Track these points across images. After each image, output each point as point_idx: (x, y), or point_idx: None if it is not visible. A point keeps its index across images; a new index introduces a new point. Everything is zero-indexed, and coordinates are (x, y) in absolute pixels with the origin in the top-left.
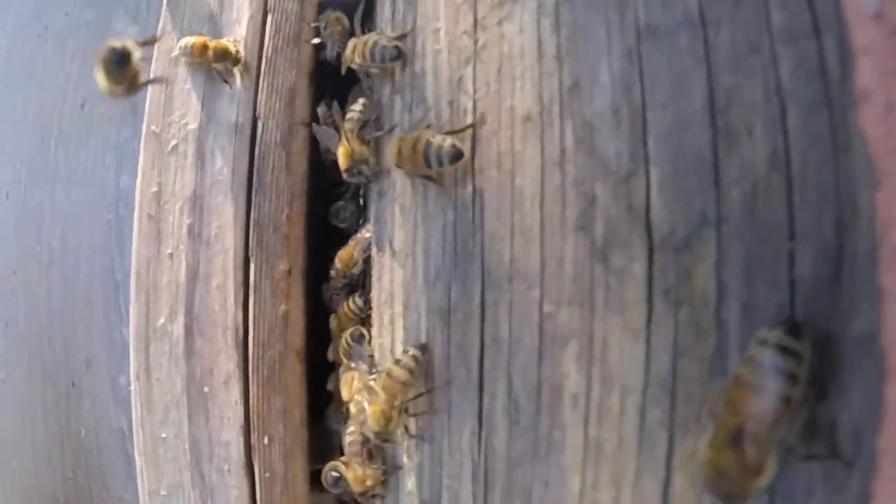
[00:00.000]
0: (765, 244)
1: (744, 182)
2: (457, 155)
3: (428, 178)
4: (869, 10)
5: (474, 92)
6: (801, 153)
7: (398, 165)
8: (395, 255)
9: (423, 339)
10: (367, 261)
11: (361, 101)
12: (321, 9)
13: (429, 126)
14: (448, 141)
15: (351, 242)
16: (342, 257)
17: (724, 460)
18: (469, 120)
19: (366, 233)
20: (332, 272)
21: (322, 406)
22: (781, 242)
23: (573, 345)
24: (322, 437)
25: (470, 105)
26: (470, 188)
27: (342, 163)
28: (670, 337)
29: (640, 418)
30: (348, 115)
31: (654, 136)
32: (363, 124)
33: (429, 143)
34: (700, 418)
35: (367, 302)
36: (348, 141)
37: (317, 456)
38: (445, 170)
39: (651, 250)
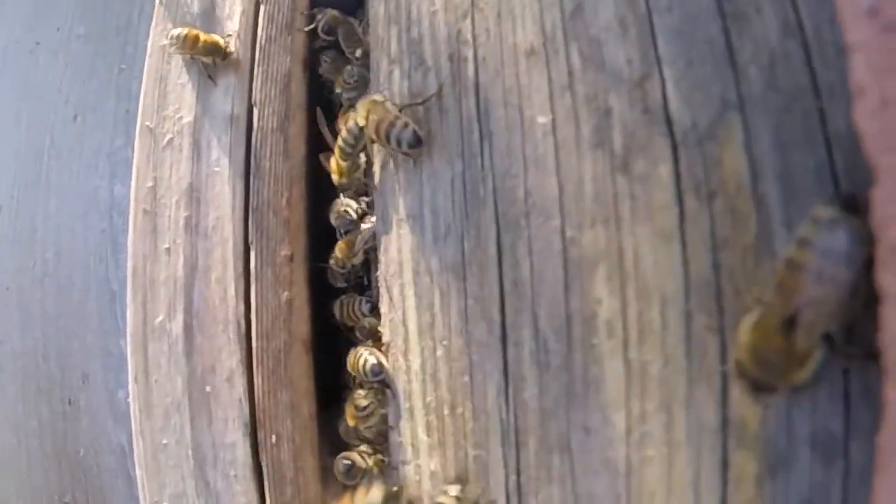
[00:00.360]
0: (792, 109)
1: (760, 57)
2: (417, 142)
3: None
4: (863, 5)
5: (474, 40)
6: (812, 16)
7: (364, 126)
8: (401, 223)
9: (436, 301)
10: (369, 253)
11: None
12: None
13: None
14: (410, 127)
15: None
16: (342, 247)
17: (769, 347)
18: (471, 70)
19: (368, 223)
20: (331, 261)
21: (325, 397)
22: (809, 103)
23: (602, 266)
24: (330, 429)
25: (471, 53)
26: (477, 134)
27: (334, 176)
28: (706, 232)
29: (686, 327)
30: (343, 135)
31: (663, 37)
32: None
33: (392, 125)
34: (750, 310)
35: (374, 308)
36: (340, 160)
37: (326, 448)
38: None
39: (675, 147)
